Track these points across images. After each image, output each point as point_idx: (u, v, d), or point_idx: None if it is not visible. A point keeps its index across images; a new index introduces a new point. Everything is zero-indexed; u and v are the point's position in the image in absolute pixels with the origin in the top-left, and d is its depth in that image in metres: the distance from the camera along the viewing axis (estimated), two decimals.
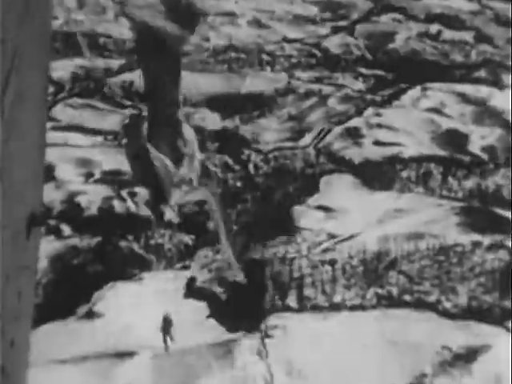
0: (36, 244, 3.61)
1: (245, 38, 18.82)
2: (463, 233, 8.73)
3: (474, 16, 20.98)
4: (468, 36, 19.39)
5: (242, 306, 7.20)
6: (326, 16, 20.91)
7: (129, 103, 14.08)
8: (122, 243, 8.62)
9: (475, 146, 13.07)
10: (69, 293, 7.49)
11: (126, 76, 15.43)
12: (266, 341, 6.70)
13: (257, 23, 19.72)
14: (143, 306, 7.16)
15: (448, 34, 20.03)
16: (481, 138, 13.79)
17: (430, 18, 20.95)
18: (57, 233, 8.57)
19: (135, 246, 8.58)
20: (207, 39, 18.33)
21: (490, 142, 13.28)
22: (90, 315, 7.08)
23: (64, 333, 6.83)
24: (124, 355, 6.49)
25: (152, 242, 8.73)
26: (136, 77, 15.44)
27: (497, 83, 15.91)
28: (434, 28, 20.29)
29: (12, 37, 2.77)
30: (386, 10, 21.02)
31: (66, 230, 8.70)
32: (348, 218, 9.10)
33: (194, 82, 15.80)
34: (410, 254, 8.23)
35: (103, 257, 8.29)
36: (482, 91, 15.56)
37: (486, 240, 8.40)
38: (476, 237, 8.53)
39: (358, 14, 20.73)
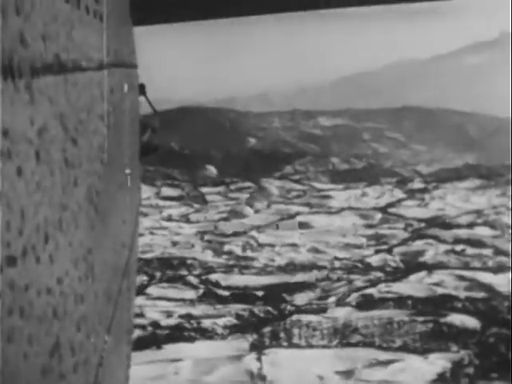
0: None
1: (303, 259, 23.94)
2: (408, 316, 12.64)
3: (495, 238, 25.50)
4: (487, 251, 23.77)
5: None
6: (370, 243, 25.95)
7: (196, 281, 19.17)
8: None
9: (459, 303, 17.02)
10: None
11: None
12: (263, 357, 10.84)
13: (315, 250, 24.94)
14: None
15: (470, 250, 24.48)
16: (465, 298, 17.74)
17: (457, 242, 25.55)
18: (142, 328, 13.25)
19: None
20: (273, 260, 23.56)
21: (474, 296, 17.19)
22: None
23: None
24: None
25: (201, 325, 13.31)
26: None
27: (495, 270, 20.03)
28: (459, 247, 24.84)
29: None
30: (420, 238, 25.91)
31: (149, 328, 13.34)
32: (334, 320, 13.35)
33: (253, 281, 20.70)
34: (367, 324, 12.16)
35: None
36: (479, 275, 19.65)
37: (420, 318, 12.25)
38: (415, 317, 12.41)
39: (397, 241, 25.69)
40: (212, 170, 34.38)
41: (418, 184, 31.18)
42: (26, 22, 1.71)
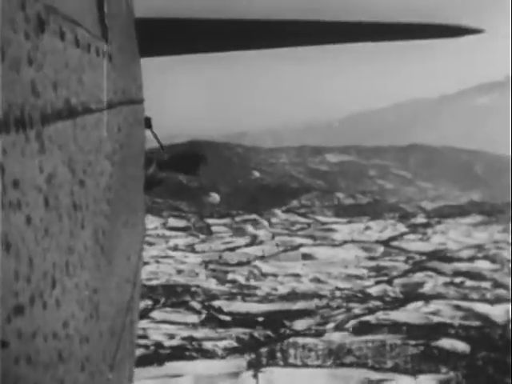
0: None
1: (305, 289, 24.39)
2: (401, 340, 13.14)
3: (494, 272, 25.88)
4: (486, 284, 24.17)
5: None
6: (371, 274, 26.36)
7: (200, 306, 19.65)
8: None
9: (452, 329, 17.47)
10: None
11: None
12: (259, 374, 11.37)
13: (317, 280, 25.38)
14: None
15: (469, 283, 24.86)
16: (459, 326, 18.17)
17: (457, 274, 25.94)
18: (145, 347, 13.79)
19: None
20: (275, 289, 24.02)
21: (466, 324, 17.62)
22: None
23: None
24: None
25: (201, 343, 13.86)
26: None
27: (492, 302, 20.42)
28: (458, 279, 25.23)
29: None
30: (421, 270, 26.29)
31: (152, 347, 13.93)
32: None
33: (250, 307, 21.16)
34: (361, 347, 12.64)
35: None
36: (476, 305, 20.05)
37: (412, 342, 12.74)
38: (407, 341, 12.89)
39: (397, 272, 26.11)
40: (215, 196, 34.99)
41: (420, 219, 31.74)
42: (38, 72, 1.72)
